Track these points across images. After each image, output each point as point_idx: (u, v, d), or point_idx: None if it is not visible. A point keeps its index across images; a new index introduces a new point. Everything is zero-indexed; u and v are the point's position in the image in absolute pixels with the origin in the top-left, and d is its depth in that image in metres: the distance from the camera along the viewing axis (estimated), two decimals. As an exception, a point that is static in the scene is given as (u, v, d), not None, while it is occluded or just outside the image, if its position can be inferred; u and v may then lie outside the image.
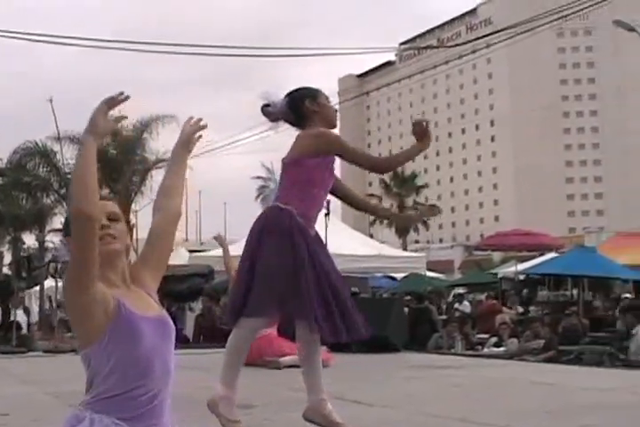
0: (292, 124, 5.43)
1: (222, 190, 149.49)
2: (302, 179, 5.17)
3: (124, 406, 2.75)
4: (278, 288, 4.99)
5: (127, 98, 3.01)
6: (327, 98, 5.51)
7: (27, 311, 20.63)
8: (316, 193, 5.25)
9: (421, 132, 5.26)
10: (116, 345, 2.76)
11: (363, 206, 5.87)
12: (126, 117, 3.27)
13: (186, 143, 3.43)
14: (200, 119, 3.54)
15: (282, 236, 5.06)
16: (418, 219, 5.86)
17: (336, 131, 5.47)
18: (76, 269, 2.75)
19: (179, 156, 3.43)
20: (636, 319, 11.72)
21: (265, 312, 5.12)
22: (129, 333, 2.77)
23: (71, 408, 2.86)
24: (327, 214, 11.31)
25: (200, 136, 3.50)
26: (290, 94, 5.43)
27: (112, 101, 2.97)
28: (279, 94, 5.45)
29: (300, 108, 5.34)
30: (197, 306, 17.92)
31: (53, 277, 24.87)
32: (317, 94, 5.43)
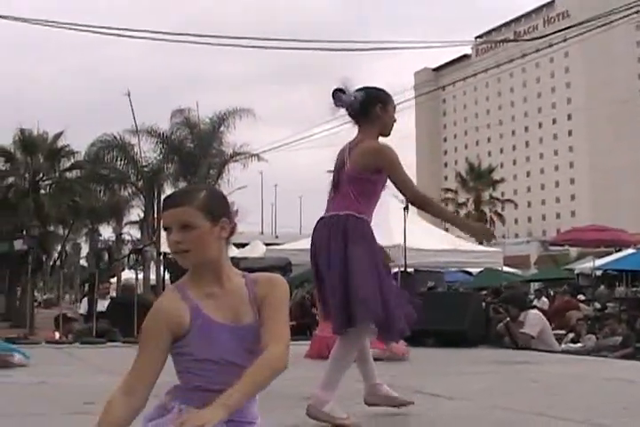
0: (352, 116, 5.59)
1: (297, 184, 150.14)
2: (368, 191, 5.44)
3: (206, 397, 2.82)
4: (376, 294, 5.23)
5: None
6: (395, 107, 5.72)
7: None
8: (376, 201, 5.56)
9: (485, 236, 6.17)
10: (191, 347, 2.90)
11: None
12: None
13: None
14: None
15: (367, 244, 5.33)
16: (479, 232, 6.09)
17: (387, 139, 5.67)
18: None
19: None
20: (516, 310, 12.98)
21: (373, 317, 5.30)
22: (202, 337, 2.90)
23: (152, 398, 2.97)
24: (406, 208, 11.20)
25: None
26: (367, 90, 5.57)
27: None
28: (355, 84, 5.58)
29: (369, 108, 5.52)
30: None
31: (133, 268, 25.23)
32: (389, 102, 5.64)
